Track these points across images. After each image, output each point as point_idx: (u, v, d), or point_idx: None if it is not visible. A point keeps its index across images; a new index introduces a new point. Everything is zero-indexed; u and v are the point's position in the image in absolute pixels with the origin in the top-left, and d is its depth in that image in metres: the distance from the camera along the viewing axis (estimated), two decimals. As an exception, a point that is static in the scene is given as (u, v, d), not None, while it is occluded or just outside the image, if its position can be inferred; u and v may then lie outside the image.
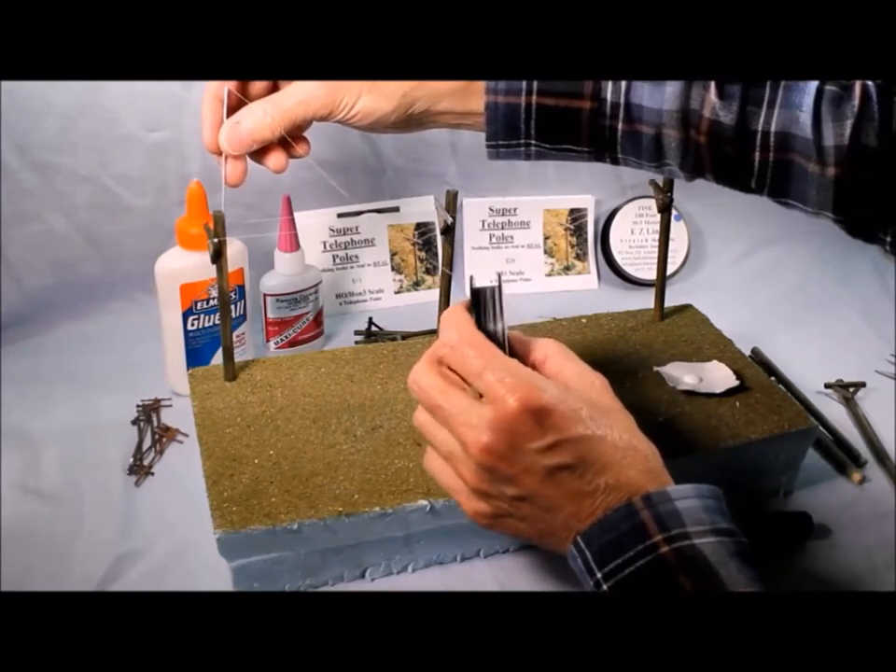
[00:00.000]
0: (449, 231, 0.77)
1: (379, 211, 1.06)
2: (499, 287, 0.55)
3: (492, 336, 0.54)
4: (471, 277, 0.55)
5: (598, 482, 0.50)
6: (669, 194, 0.83)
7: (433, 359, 0.54)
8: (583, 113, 0.64)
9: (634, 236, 1.12)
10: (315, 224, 1.03)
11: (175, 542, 0.72)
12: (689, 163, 0.64)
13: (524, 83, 0.64)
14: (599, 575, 0.48)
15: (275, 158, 0.66)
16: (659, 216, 0.85)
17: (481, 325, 0.55)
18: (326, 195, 1.02)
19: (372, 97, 0.63)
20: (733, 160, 0.63)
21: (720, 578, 0.46)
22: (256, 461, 0.69)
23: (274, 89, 0.65)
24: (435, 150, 1.07)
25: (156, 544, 0.72)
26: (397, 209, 1.07)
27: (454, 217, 0.77)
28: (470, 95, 0.65)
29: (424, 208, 1.07)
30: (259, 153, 0.66)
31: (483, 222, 1.10)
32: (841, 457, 0.83)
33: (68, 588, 0.67)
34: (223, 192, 0.66)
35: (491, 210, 1.10)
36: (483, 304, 0.55)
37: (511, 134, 0.65)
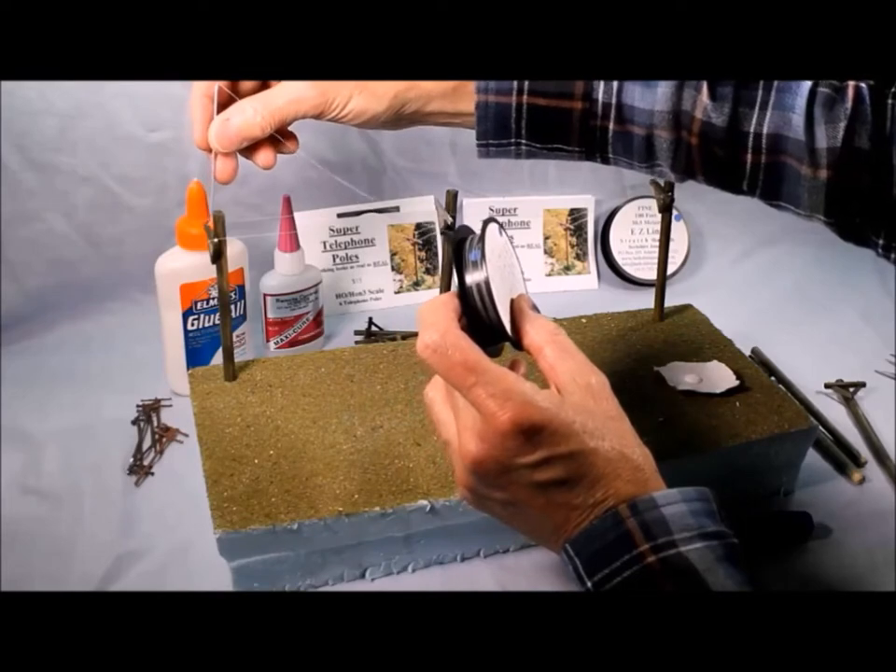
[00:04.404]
0: (449, 230, 0.77)
1: (379, 211, 1.06)
2: (482, 234, 0.51)
3: (473, 293, 0.51)
4: (461, 226, 0.52)
5: (587, 495, 0.49)
6: (670, 194, 0.83)
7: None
8: (574, 113, 0.64)
9: (634, 236, 1.12)
10: (315, 224, 1.03)
11: (175, 542, 0.72)
12: (680, 164, 0.64)
13: (514, 82, 0.63)
14: (590, 584, 0.48)
15: (264, 154, 0.66)
16: (659, 216, 0.85)
17: (462, 279, 0.51)
18: (326, 195, 1.02)
19: (363, 98, 0.63)
20: (724, 161, 0.62)
21: (707, 585, 0.45)
22: (256, 461, 0.69)
23: (264, 86, 0.65)
24: (435, 150, 1.07)
25: (156, 544, 0.72)
26: (397, 209, 1.07)
27: (454, 217, 0.77)
28: (461, 96, 0.65)
29: (424, 208, 1.07)
30: (247, 150, 0.65)
31: (482, 221, 1.09)
32: (841, 457, 0.83)
33: (68, 588, 0.67)
34: (213, 190, 0.66)
35: (491, 210, 1.10)
36: (463, 256, 0.51)
37: (501, 134, 0.65)
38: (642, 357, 0.83)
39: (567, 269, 1.12)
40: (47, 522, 0.73)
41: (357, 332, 1.00)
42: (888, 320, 1.03)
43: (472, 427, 0.49)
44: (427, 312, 0.51)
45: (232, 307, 0.84)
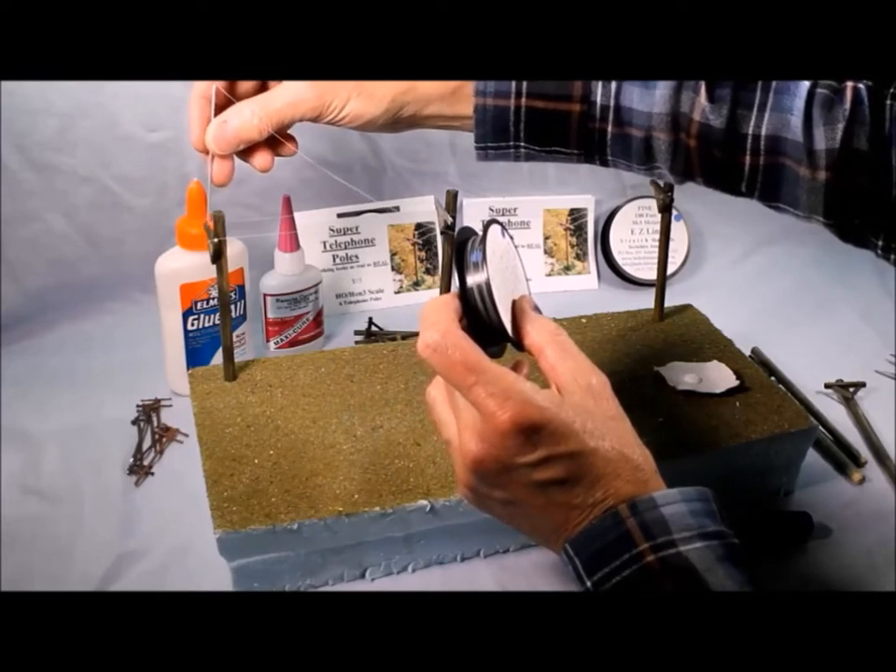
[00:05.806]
0: (449, 230, 0.77)
1: (379, 211, 1.06)
2: (484, 235, 0.52)
3: (474, 294, 0.51)
4: (463, 228, 0.53)
5: (587, 494, 0.49)
6: (670, 194, 0.83)
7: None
8: (573, 116, 0.64)
9: (634, 236, 1.12)
10: (315, 224, 1.03)
11: (175, 542, 0.72)
12: (678, 166, 0.64)
13: (513, 85, 0.63)
14: (589, 583, 0.48)
15: (262, 157, 0.65)
16: (659, 216, 0.85)
17: (463, 280, 0.52)
18: (326, 195, 1.02)
19: (361, 101, 0.63)
20: (722, 163, 0.62)
21: (707, 585, 0.45)
22: (256, 461, 0.69)
23: (263, 88, 0.65)
24: (435, 150, 1.07)
25: (156, 544, 0.72)
26: (397, 209, 1.07)
27: (454, 217, 0.77)
28: (459, 99, 0.65)
29: (424, 208, 1.07)
30: (245, 152, 0.65)
31: (484, 222, 1.09)
32: (841, 457, 0.83)
33: (68, 588, 0.67)
34: (209, 191, 0.66)
35: (491, 210, 1.10)
36: (465, 257, 0.52)
37: (500, 137, 0.65)
38: (642, 357, 0.83)
39: (567, 269, 1.12)
40: (47, 522, 0.73)
41: (357, 332, 1.00)
42: (888, 320, 1.03)
43: (473, 426, 0.49)
44: (429, 311, 0.51)
45: (232, 307, 0.84)
